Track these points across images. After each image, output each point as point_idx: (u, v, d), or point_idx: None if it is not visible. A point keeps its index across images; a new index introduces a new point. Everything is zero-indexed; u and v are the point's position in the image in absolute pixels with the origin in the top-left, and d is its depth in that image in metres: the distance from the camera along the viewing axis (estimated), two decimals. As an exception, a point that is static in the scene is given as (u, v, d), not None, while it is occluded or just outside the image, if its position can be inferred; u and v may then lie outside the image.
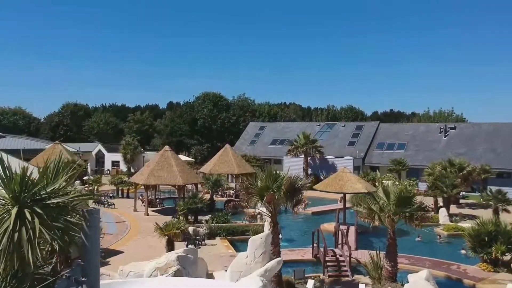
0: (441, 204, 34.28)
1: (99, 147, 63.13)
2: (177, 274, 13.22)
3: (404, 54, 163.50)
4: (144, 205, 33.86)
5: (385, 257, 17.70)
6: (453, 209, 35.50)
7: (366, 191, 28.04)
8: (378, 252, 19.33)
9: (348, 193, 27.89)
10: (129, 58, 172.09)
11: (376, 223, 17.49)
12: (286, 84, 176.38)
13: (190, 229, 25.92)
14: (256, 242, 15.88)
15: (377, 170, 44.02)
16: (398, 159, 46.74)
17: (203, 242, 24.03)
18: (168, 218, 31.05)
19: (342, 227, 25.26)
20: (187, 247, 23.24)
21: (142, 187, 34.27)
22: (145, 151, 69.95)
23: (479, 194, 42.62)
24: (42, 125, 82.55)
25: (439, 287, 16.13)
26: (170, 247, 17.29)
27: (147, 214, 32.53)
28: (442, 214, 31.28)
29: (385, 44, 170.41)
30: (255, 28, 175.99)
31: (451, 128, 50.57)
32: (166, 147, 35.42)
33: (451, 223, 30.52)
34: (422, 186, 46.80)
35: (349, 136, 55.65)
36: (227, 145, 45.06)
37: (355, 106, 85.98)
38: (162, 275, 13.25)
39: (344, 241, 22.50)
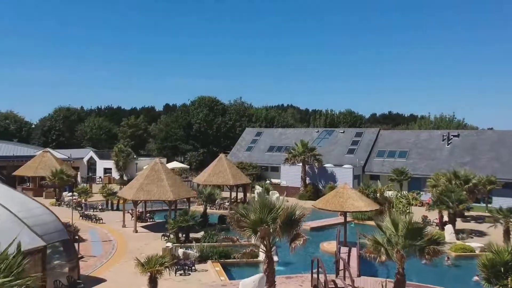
0: (446, 218, 32.54)
1: (91, 153, 61.20)
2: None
3: (402, 54, 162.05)
4: (133, 220, 31.99)
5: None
6: (459, 223, 33.79)
7: (368, 210, 26.39)
8: (385, 284, 17.60)
9: (349, 211, 26.12)
10: (124, 59, 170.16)
11: (383, 258, 15.65)
12: (283, 85, 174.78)
13: (180, 251, 24.14)
14: (247, 286, 14.05)
15: (378, 181, 42.19)
16: (399, 168, 44.96)
17: (193, 268, 22.19)
18: (158, 236, 29.39)
19: (342, 251, 23.52)
20: (175, 274, 21.52)
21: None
22: (139, 157, 68.08)
23: (484, 205, 40.98)
24: (34, 129, 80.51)
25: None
26: (152, 285, 15.41)
27: (136, 231, 30.67)
28: (448, 232, 29.53)
29: (383, 42, 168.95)
30: (251, 27, 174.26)
31: (454, 136, 48.83)
32: (157, 159, 33.54)
33: (458, 242, 28.79)
34: (424, 197, 45.13)
35: (348, 143, 53.86)
36: (222, 155, 43.24)
37: (354, 110, 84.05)
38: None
39: (345, 268, 20.70)
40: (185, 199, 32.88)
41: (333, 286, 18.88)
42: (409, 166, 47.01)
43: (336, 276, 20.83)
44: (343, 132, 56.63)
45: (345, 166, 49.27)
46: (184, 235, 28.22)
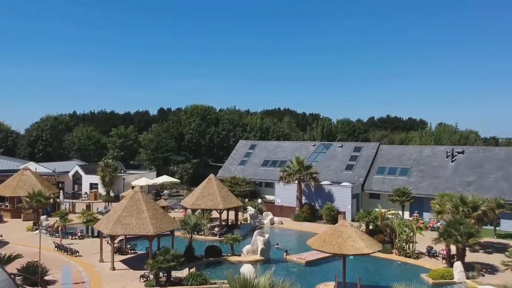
0: (454, 250, 29.75)
1: (77, 168, 58.23)
2: None
3: (400, 56, 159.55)
4: (112, 251, 29.06)
5: None
6: (467, 253, 31.06)
7: (369, 252, 23.59)
8: None
9: (348, 254, 23.30)
10: (117, 63, 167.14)
11: None
12: (280, 88, 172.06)
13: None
14: None
15: (378, 204, 39.35)
16: (401, 188, 42.17)
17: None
18: (138, 275, 26.47)
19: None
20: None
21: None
22: (128, 169, 65.13)
23: (492, 227, 38.21)
24: (20, 139, 77.45)
25: None
26: None
27: (113, 268, 27.77)
28: (457, 270, 26.68)
29: (381, 44, 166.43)
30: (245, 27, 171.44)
31: (458, 152, 46.08)
32: (137, 188, 30.59)
33: (468, 281, 26.05)
34: (427, 217, 42.45)
35: (346, 159, 51.04)
36: (212, 176, 40.43)
37: (352, 113, 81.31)
38: None
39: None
40: (169, 232, 29.95)
41: None
42: (411, 185, 44.29)
43: None
44: (341, 146, 53.80)
45: (343, 184, 46.49)
46: (165, 275, 25.45)
